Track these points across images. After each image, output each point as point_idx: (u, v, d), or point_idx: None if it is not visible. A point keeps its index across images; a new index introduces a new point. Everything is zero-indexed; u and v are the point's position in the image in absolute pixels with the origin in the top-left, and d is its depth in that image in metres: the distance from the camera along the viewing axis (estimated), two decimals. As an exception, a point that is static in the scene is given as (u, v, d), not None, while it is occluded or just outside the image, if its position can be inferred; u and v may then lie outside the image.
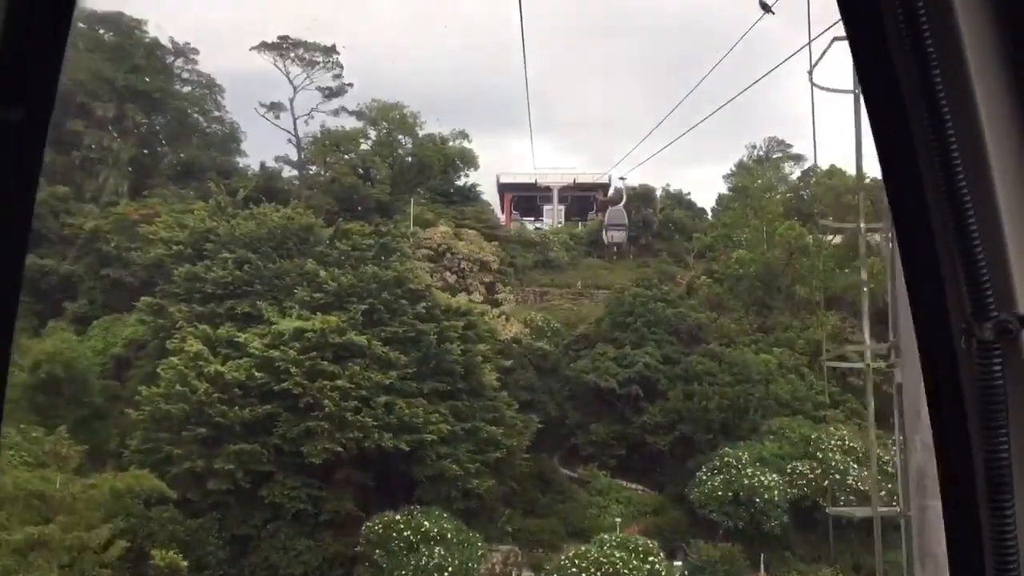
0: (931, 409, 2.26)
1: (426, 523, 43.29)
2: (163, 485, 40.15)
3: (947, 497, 2.26)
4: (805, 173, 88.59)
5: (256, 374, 43.77)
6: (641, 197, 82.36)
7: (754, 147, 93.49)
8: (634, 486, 53.97)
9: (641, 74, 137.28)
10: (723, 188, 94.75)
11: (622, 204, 55.79)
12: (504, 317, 58.16)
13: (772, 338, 58.36)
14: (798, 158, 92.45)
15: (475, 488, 45.40)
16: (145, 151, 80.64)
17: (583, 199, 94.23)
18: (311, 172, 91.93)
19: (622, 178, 55.72)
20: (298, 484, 44.34)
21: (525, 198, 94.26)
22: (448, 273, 58.91)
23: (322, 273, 48.05)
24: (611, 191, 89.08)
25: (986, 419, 2.02)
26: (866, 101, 2.21)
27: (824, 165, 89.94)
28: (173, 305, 48.40)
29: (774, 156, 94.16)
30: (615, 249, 66.17)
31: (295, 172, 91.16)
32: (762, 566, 47.76)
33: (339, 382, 43.58)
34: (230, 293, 48.43)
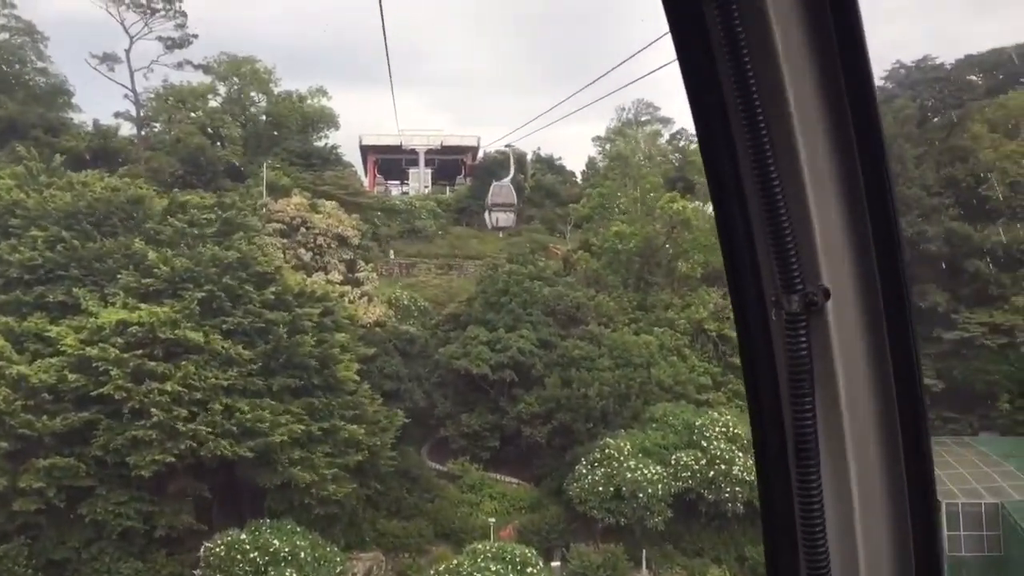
0: (746, 378, 2.40)
1: (276, 541, 38.07)
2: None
3: (760, 462, 2.40)
4: (674, 136, 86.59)
5: (70, 376, 37.27)
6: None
7: (623, 109, 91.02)
8: (509, 480, 50.18)
9: (506, 30, 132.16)
10: (592, 150, 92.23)
11: (509, 178, 49.38)
12: (366, 299, 52.91)
13: (653, 317, 55.15)
14: (666, 121, 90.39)
15: (332, 495, 40.36)
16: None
17: (451, 162, 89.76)
18: (155, 131, 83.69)
19: (508, 146, 48.92)
20: (124, 499, 38.42)
21: (390, 161, 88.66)
22: (303, 250, 53.06)
23: (151, 255, 41.53)
24: (480, 154, 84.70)
25: (793, 388, 2.18)
26: (687, 90, 2.26)
27: (692, 129, 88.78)
28: (-30, 293, 41.02)
29: (643, 118, 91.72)
30: (499, 232, 59.20)
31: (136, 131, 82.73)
32: (644, 564, 44.84)
33: (170, 384, 37.49)
34: (40, 278, 41.38)
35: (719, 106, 2.17)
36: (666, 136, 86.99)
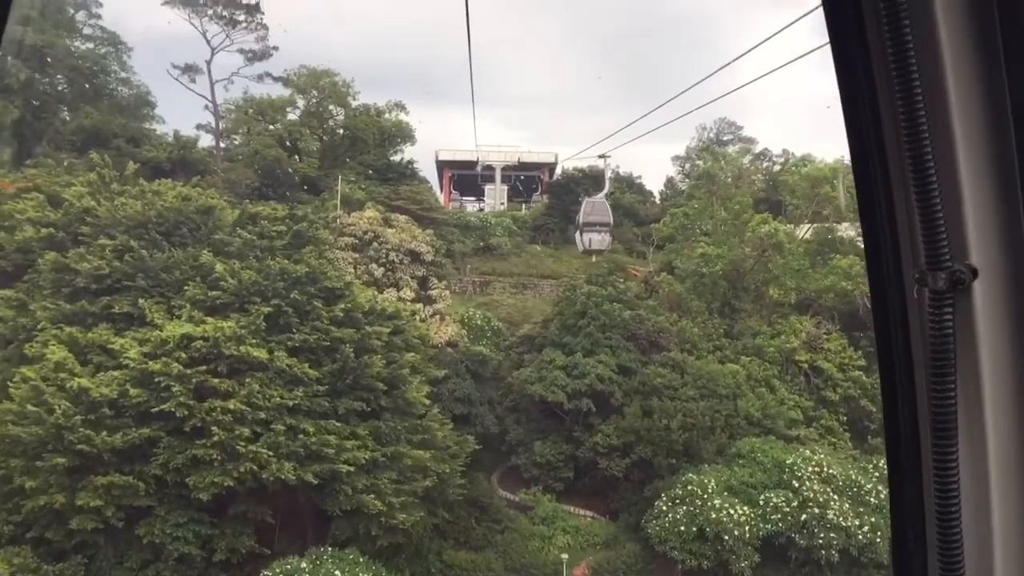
0: (880, 357, 2.36)
1: (337, 572, 35.99)
2: None
3: (891, 443, 2.38)
4: (758, 157, 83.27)
5: (131, 391, 35.84)
6: (591, 179, 76.56)
7: (704, 128, 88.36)
8: (583, 513, 47.42)
9: (582, 49, 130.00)
10: (671, 170, 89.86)
11: (604, 194, 43.07)
12: (438, 317, 50.91)
13: (739, 345, 51.95)
14: (749, 140, 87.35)
15: (400, 524, 38.14)
16: (37, 115, 71.01)
17: (527, 179, 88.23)
18: (235, 143, 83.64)
19: (603, 156, 39.37)
20: (183, 520, 36.75)
21: (466, 177, 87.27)
22: (375, 265, 51.27)
23: (219, 266, 40.05)
24: (558, 171, 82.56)
25: (935, 367, 2.10)
26: (835, 61, 2.25)
27: (776, 150, 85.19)
28: (37, 300, 40.05)
29: (724, 138, 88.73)
30: (591, 251, 54.24)
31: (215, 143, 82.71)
32: (728, 612, 41.64)
33: (232, 403, 35.79)
34: (107, 288, 40.21)
35: (867, 73, 2.15)
36: (748, 157, 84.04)
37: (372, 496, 37.49)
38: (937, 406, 2.14)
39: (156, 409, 35.79)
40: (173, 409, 35.46)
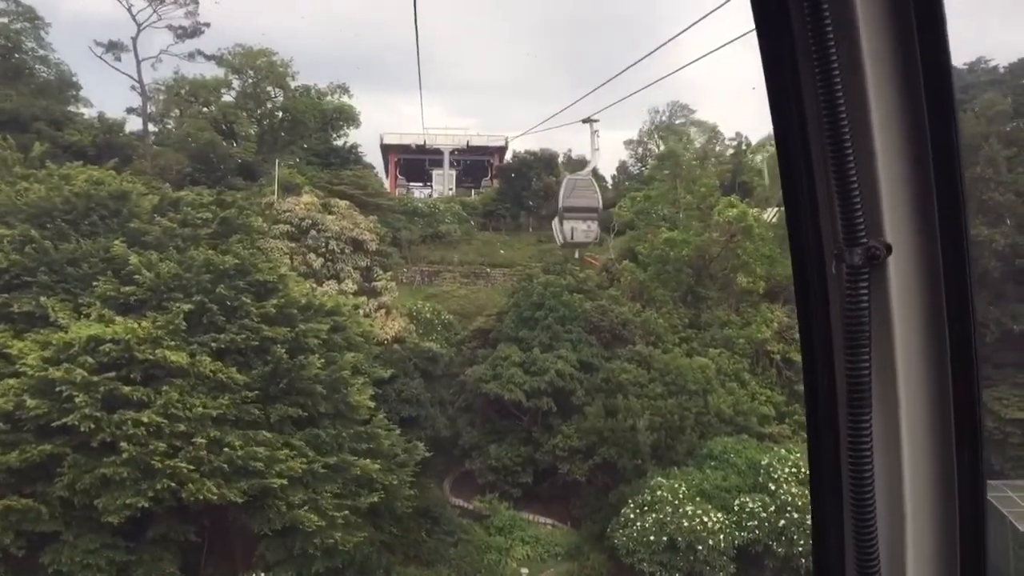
0: (800, 330, 2.47)
1: (268, 602, 31.95)
2: None
3: (811, 414, 2.49)
4: (709, 140, 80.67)
5: (29, 402, 31.24)
6: (543, 162, 73.33)
7: (656, 111, 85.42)
8: (543, 521, 44.01)
9: (533, 37, 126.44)
10: (623, 154, 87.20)
11: (589, 171, 33.65)
12: (383, 311, 46.84)
13: (707, 336, 48.64)
14: (701, 124, 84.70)
15: (340, 544, 34.13)
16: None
17: (477, 164, 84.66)
18: (168, 126, 78.48)
19: (590, 120, 28.86)
20: (95, 547, 32.26)
21: (412, 161, 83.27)
22: (313, 255, 46.92)
23: (133, 258, 35.51)
24: (508, 155, 78.90)
25: (851, 339, 2.22)
26: (760, 47, 2.31)
27: (728, 133, 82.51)
28: (-75, 300, 35.22)
29: (677, 121, 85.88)
30: (574, 250, 44.56)
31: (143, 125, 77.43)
32: (702, 625, 38.34)
33: (147, 414, 31.42)
34: (3, 284, 35.51)
35: (790, 55, 2.23)
36: (700, 139, 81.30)
37: (309, 512, 33.41)
38: (852, 377, 2.24)
39: (59, 422, 31.23)
40: (78, 422, 30.94)
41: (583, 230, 31.88)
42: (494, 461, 43.91)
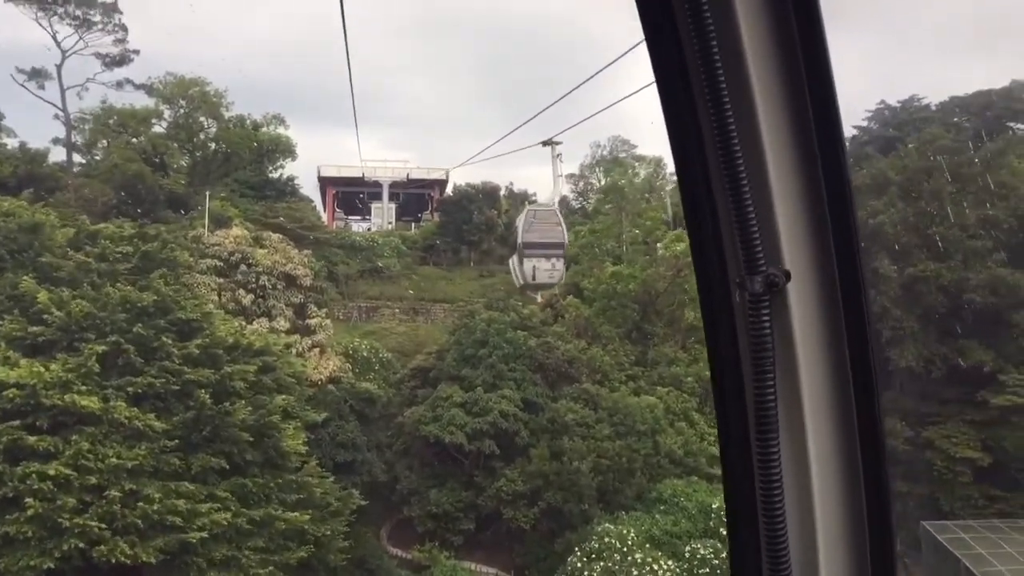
0: (710, 358, 2.53)
1: (188, 671, 29.26)
2: None
3: (723, 442, 2.54)
4: (654, 173, 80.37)
5: (-80, 454, 28.39)
6: (484, 196, 71.99)
7: (598, 146, 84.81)
8: (486, 570, 41.95)
9: (472, 74, 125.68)
10: (564, 189, 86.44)
11: (554, 201, 29.75)
12: (318, 350, 44.54)
13: (655, 374, 47.26)
14: (642, 159, 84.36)
15: (266, 603, 31.63)
16: None
17: (417, 197, 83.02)
18: (96, 158, 75.33)
19: (549, 142, 25.26)
20: (-5, 613, 29.33)
21: (351, 194, 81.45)
22: (242, 292, 44.50)
23: (42, 296, 32.84)
24: (449, 188, 77.43)
25: (755, 366, 2.29)
26: (657, 82, 2.41)
27: (671, 167, 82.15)
28: None
29: (619, 155, 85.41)
30: (537, 293, 39.42)
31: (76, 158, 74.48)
32: None
33: (54, 466, 28.73)
34: (-102, 325, 32.58)
35: (687, 97, 2.32)
36: (643, 174, 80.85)
37: (232, 571, 30.90)
38: (759, 403, 2.30)
39: (-47, 476, 28.42)
40: (-25, 476, 28.18)
41: (547, 269, 27.11)
42: (434, 507, 41.77)
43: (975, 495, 46.22)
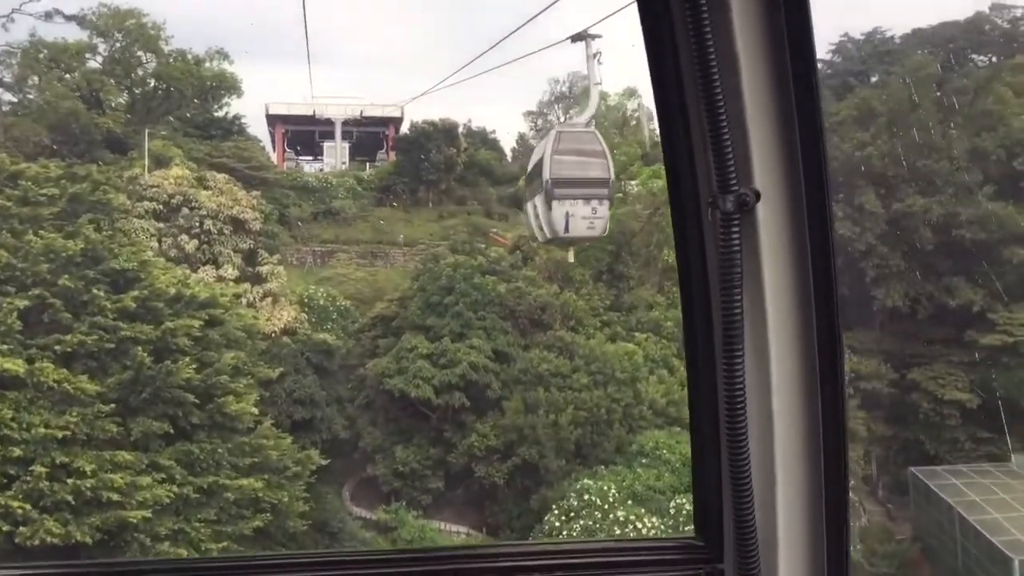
0: (680, 275, 2.67)
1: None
2: None
3: (690, 355, 2.70)
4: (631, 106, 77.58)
5: None
6: (443, 133, 68.28)
7: (557, 81, 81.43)
8: (457, 530, 39.87)
9: (425, 9, 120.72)
10: (524, 127, 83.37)
11: (589, 117, 22.81)
12: (270, 300, 41.23)
13: (632, 320, 44.72)
14: (604, 95, 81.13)
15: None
16: None
17: (372, 135, 79.00)
18: (30, 96, 70.14)
19: (587, 35, 18.81)
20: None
21: (302, 133, 77.08)
22: (185, 237, 40.80)
23: (-47, 246, 29.12)
24: (406, 126, 73.76)
25: (724, 282, 2.37)
26: (639, 7, 2.48)
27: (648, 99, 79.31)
28: None
29: (577, 91, 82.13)
30: (569, 249, 31.53)
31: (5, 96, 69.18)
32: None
33: (-30, 437, 25.41)
34: None
35: (667, 15, 2.39)
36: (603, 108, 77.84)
37: (179, 546, 27.96)
38: (726, 318, 2.37)
39: None
40: None
41: (586, 217, 19.65)
42: (400, 465, 39.74)
43: (962, 438, 44.68)
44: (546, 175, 19.84)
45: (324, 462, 35.76)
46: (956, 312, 45.08)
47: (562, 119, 76.86)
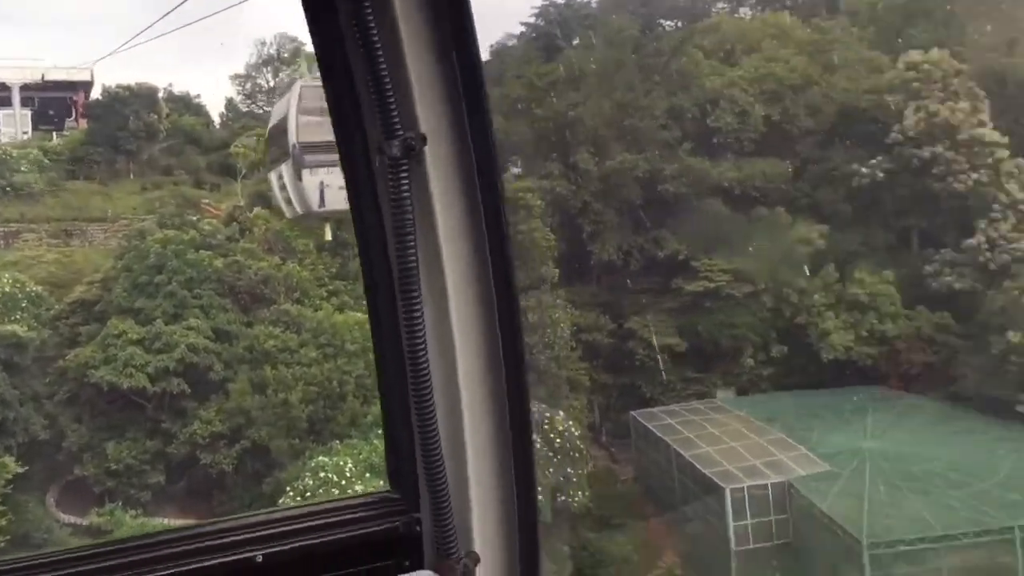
0: (355, 223, 2.63)
1: None
2: None
3: (371, 306, 2.67)
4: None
5: None
6: (140, 99, 63.36)
7: (263, 43, 78.44)
8: (183, 525, 36.52)
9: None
10: (232, 91, 79.60)
11: None
12: (-59, 290, 35.95)
13: (359, 288, 43.43)
14: (311, 57, 79.25)
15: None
16: None
17: (57, 101, 71.90)
18: None
19: None
20: None
21: (-29, 101, 68.45)
22: None
23: None
24: (97, 91, 67.53)
25: (396, 227, 2.38)
26: None
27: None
28: None
29: (284, 54, 79.66)
30: (326, 225, 26.28)
31: None
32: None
33: None
34: None
35: None
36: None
37: None
38: (401, 262, 2.38)
39: None
40: None
41: (344, 187, 14.98)
42: (113, 463, 37.52)
43: (674, 380, 47.81)
44: (292, 139, 16.11)
45: (21, 469, 31.90)
46: (664, 262, 48.08)
47: (271, 83, 73.70)
